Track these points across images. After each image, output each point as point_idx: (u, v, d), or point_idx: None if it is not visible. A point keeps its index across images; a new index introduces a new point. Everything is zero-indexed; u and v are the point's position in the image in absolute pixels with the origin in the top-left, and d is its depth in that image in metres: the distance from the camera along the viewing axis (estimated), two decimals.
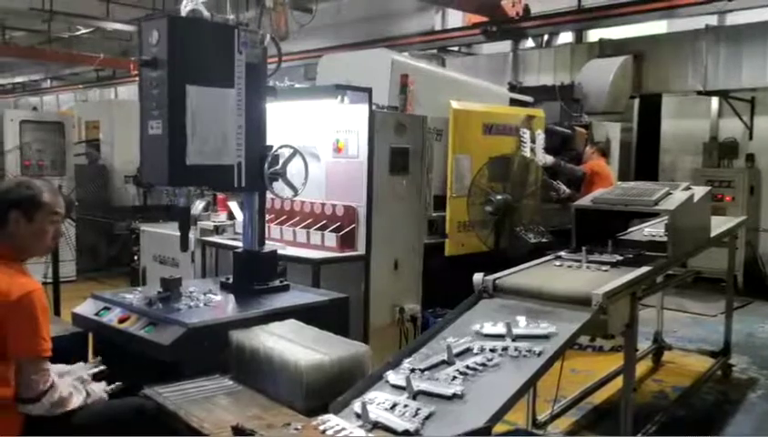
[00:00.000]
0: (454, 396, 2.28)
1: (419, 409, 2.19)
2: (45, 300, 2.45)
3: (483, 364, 2.51)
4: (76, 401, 2.46)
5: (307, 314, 3.05)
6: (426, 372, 2.46)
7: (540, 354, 2.56)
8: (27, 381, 2.33)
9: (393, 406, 2.22)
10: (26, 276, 2.47)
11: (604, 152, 7.15)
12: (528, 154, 6.09)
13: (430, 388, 2.33)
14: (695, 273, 5.49)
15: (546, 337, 2.69)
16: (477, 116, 5.94)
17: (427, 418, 2.16)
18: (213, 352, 2.77)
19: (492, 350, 2.60)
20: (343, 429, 2.10)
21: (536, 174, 6.00)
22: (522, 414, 3.97)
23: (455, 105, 5.77)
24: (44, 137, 8.52)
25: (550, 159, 6.53)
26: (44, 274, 5.17)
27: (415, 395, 2.30)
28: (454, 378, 2.40)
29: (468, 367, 2.48)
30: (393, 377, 2.43)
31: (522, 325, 2.81)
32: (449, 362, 2.52)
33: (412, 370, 2.47)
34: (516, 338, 2.68)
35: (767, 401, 4.90)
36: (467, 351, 2.62)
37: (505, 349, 2.61)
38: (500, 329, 2.76)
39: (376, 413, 2.17)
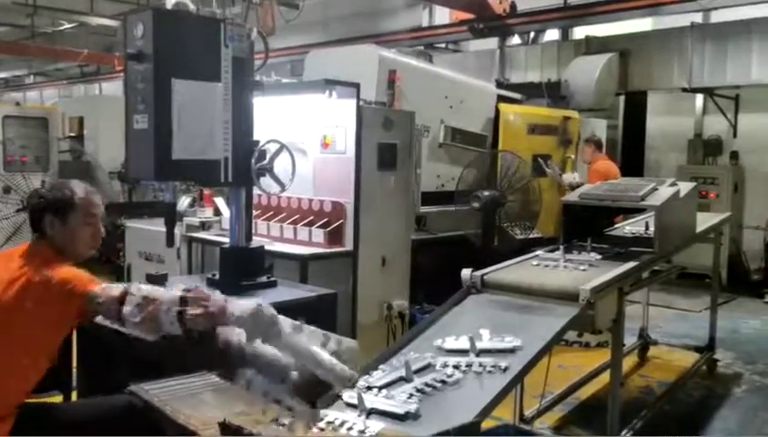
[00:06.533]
0: (407, 415, 2.14)
1: (365, 428, 2.05)
2: None
3: (443, 381, 2.38)
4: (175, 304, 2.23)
5: (294, 310, 3.01)
6: (383, 390, 2.31)
7: (505, 370, 2.44)
8: (98, 300, 2.24)
9: (341, 424, 2.10)
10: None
11: (600, 146, 7.06)
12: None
13: (383, 406, 2.18)
14: (680, 269, 5.52)
15: (511, 351, 2.57)
16: (523, 117, 6.77)
17: None
18: (199, 349, 2.74)
19: (456, 367, 2.48)
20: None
21: (525, 170, 5.98)
22: (509, 410, 3.97)
23: (504, 107, 6.63)
24: (27, 132, 8.41)
25: (578, 180, 6.49)
26: None
27: (369, 413, 2.15)
28: (411, 395, 2.27)
29: (426, 384, 2.35)
30: (346, 395, 2.22)
31: (486, 339, 2.68)
32: (407, 379, 2.38)
33: (369, 388, 2.32)
34: (480, 352, 2.57)
35: (752, 395, 4.94)
36: (428, 367, 2.49)
37: (469, 365, 2.48)
38: (463, 343, 2.63)
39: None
